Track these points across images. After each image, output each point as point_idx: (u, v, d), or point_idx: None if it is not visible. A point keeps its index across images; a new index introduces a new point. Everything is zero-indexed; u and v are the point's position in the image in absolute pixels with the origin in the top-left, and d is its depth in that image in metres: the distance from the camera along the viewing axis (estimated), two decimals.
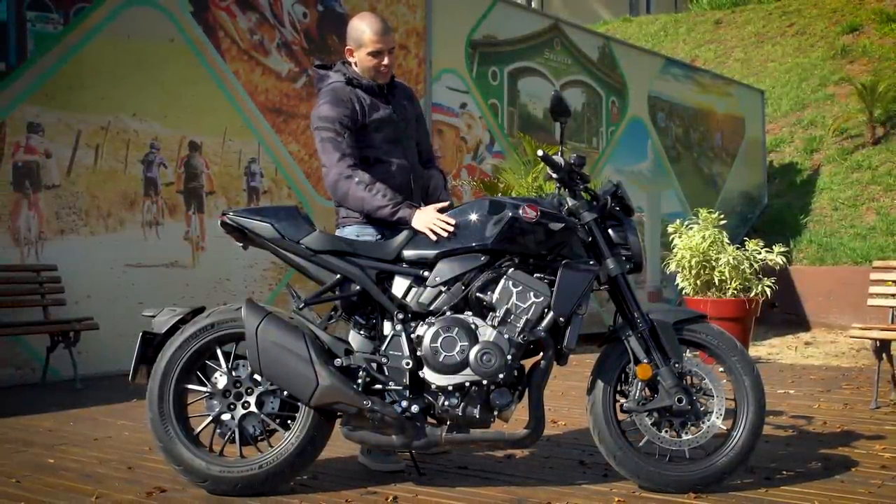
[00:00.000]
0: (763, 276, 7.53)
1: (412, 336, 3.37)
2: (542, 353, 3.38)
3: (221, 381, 3.40)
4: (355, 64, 3.73)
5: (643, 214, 11.38)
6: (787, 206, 13.58)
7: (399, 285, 3.45)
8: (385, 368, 3.38)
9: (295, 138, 7.82)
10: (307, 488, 3.46)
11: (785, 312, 11.34)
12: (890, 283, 5.80)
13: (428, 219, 3.46)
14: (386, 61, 3.68)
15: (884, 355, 5.47)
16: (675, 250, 7.64)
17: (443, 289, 3.39)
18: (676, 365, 3.41)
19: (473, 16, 9.38)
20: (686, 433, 3.43)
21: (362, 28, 3.68)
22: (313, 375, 3.27)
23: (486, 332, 3.31)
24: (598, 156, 10.96)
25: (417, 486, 3.50)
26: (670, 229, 7.84)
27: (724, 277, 7.32)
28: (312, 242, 3.45)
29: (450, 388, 3.29)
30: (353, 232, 3.69)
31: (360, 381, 3.35)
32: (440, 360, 3.28)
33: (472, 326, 3.32)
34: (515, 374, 3.34)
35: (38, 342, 6.18)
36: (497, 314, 3.32)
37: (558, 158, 3.48)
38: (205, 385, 3.42)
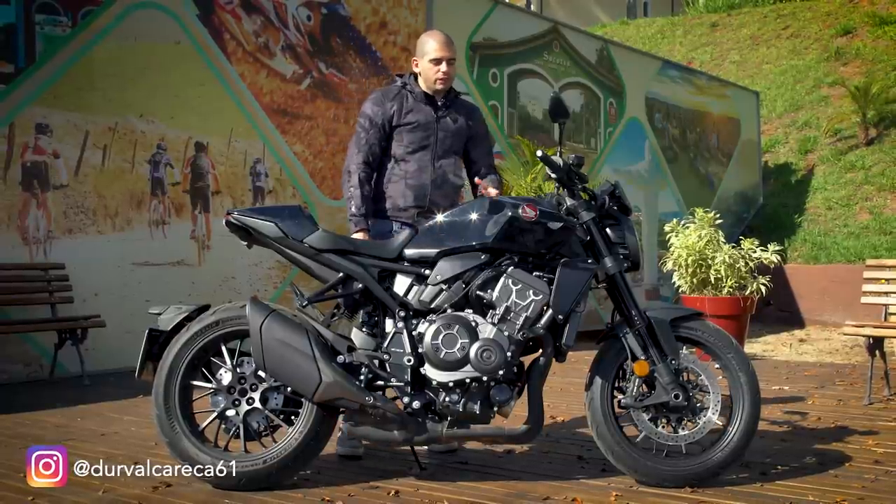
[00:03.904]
0: (758, 275, 7.57)
1: (413, 333, 3.42)
2: (541, 350, 3.43)
3: (226, 377, 3.43)
4: (419, 73, 3.98)
5: (640, 214, 11.42)
6: (782, 206, 13.63)
7: (401, 283, 3.50)
8: (387, 365, 3.42)
9: (299, 139, 7.89)
10: (310, 483, 3.49)
11: (780, 310, 11.40)
12: (883, 280, 5.86)
13: None
14: (444, 68, 3.91)
15: (877, 352, 5.52)
16: (671, 249, 7.69)
17: (444, 287, 3.44)
18: (673, 362, 3.46)
19: (473, 19, 9.42)
20: (682, 429, 3.47)
21: (426, 40, 3.98)
22: (316, 372, 3.31)
23: (487, 330, 3.36)
24: (597, 156, 11.01)
25: (419, 481, 3.54)
26: (667, 228, 7.89)
27: (720, 276, 7.37)
28: (315, 241, 3.49)
29: (451, 384, 3.34)
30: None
31: (362, 377, 3.40)
32: (441, 356, 3.33)
33: (473, 324, 3.37)
34: (515, 370, 3.39)
35: (47, 339, 6.24)
36: (497, 312, 3.37)
37: (557, 159, 3.53)
38: (210, 381, 3.46)
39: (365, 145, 3.89)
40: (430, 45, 3.94)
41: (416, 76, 4.01)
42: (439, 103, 3.98)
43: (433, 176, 3.93)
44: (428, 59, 3.92)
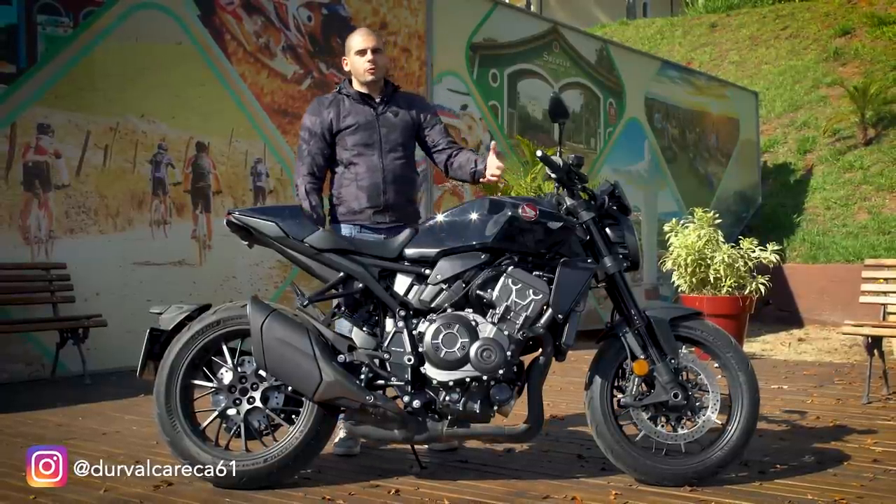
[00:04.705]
0: (757, 274, 7.60)
1: (414, 332, 3.43)
2: (541, 350, 3.43)
3: (227, 376, 3.44)
4: (350, 72, 4.03)
5: (640, 214, 11.45)
6: (781, 206, 13.65)
7: (401, 283, 3.51)
8: (387, 364, 3.43)
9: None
10: (311, 482, 3.50)
11: (779, 309, 11.42)
12: (881, 280, 5.87)
13: None
14: (370, 57, 3.95)
15: (875, 351, 5.53)
16: (671, 249, 7.71)
17: (444, 286, 3.45)
18: (672, 361, 3.47)
19: (474, 19, 9.45)
20: (682, 427, 3.48)
21: (351, 37, 4.06)
22: (317, 371, 3.32)
23: (487, 329, 3.36)
24: (596, 156, 11.03)
25: (419, 480, 3.55)
26: (666, 228, 7.92)
27: (719, 275, 7.40)
28: (316, 241, 3.51)
29: (451, 383, 3.35)
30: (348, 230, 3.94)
31: (362, 376, 3.41)
32: (441, 356, 3.33)
33: (473, 323, 3.38)
34: (515, 370, 3.40)
35: (48, 339, 6.26)
36: (497, 311, 3.37)
37: (557, 159, 3.53)
38: (211, 380, 3.47)
39: (308, 157, 3.96)
40: (354, 40, 4.02)
41: (350, 80, 4.06)
42: (377, 100, 4.01)
43: (384, 174, 3.95)
44: (353, 53, 3.99)
